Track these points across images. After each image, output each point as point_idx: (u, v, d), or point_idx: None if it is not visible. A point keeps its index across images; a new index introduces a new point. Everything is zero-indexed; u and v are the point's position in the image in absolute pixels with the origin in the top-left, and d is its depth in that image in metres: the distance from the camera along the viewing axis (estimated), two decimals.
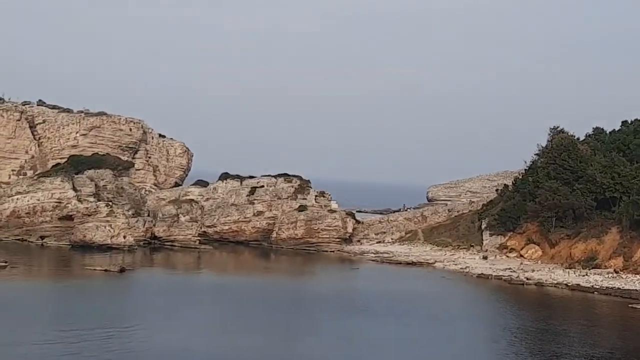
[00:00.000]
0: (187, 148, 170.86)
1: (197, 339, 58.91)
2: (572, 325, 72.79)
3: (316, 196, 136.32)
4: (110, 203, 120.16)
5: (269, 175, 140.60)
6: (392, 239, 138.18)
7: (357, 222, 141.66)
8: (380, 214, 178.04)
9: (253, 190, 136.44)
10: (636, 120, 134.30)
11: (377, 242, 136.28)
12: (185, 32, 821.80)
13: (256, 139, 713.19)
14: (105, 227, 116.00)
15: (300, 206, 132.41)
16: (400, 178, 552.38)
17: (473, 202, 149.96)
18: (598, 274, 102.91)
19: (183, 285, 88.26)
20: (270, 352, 57.31)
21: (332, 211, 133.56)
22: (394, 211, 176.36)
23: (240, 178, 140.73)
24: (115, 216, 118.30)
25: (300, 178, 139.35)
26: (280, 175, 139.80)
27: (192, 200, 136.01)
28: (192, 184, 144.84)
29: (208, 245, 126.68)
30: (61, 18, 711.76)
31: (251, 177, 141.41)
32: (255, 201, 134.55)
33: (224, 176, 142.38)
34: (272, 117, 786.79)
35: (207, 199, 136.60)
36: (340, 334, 64.09)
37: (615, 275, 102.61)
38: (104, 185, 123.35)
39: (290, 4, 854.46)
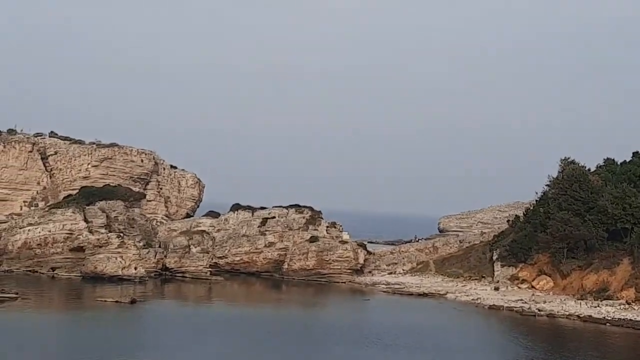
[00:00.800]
0: (198, 179, 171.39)
1: None
2: (586, 357, 72.43)
3: (327, 227, 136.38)
4: (122, 234, 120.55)
5: (280, 206, 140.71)
6: (403, 269, 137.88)
7: (369, 253, 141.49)
8: (392, 244, 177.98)
9: (264, 221, 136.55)
10: None
11: (388, 273, 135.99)
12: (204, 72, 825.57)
13: (268, 171, 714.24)
14: (116, 258, 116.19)
15: (311, 237, 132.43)
16: (412, 209, 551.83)
17: (484, 232, 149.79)
18: (610, 305, 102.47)
19: (194, 317, 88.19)
20: None
21: (343, 242, 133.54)
22: (406, 242, 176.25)
23: (252, 209, 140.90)
24: (127, 247, 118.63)
25: (311, 209, 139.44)
26: (291, 206, 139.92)
27: (204, 231, 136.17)
28: (204, 215, 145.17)
29: (219, 276, 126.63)
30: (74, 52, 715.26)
31: (262, 208, 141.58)
32: (267, 232, 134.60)
33: (235, 207, 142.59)
34: (286, 150, 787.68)
35: (219, 230, 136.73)
36: None
37: (627, 306, 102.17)
38: (115, 217, 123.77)
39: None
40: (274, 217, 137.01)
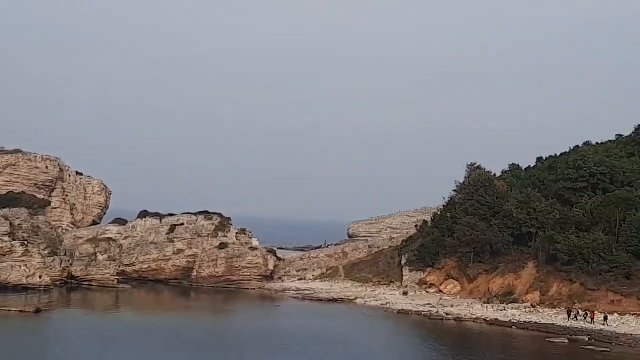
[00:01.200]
0: (105, 186, 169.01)
1: None
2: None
3: (237, 233, 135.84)
4: (26, 242, 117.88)
5: (189, 213, 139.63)
6: (313, 275, 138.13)
7: (279, 259, 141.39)
8: (302, 250, 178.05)
9: (173, 228, 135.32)
10: (550, 157, 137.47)
11: (298, 279, 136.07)
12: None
13: (176, 177, 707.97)
14: (20, 267, 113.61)
15: (221, 244, 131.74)
16: (322, 215, 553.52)
17: (393, 238, 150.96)
18: (515, 309, 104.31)
19: (102, 327, 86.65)
20: None
21: (253, 248, 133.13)
22: (315, 248, 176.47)
23: (160, 216, 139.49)
24: (31, 256, 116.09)
25: (220, 215, 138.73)
26: (200, 213, 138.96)
27: (111, 238, 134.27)
28: (111, 222, 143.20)
29: (127, 284, 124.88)
30: None
31: (171, 214, 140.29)
32: (175, 239, 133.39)
33: (143, 214, 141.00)
34: (192, 153, 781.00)
35: (126, 238, 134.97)
36: None
37: (532, 309, 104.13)
38: (19, 224, 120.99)
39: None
40: (182, 224, 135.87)
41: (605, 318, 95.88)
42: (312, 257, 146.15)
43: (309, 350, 75.26)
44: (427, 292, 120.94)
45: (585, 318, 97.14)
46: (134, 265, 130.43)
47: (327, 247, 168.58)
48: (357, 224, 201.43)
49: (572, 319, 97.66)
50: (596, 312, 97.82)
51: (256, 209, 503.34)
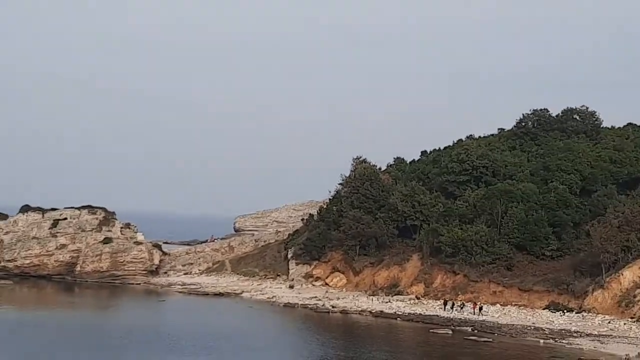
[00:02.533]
0: None
1: None
2: (378, 352, 73.97)
3: (122, 228, 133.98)
4: None
5: (72, 207, 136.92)
6: (199, 270, 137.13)
7: (164, 253, 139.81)
8: (188, 245, 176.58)
9: (56, 223, 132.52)
10: (434, 150, 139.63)
11: (184, 274, 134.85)
12: None
13: (60, 169, 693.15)
14: None
15: (105, 238, 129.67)
16: (208, 209, 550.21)
17: (279, 231, 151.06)
18: (400, 301, 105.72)
19: None
20: None
21: (138, 243, 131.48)
22: (201, 242, 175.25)
23: (42, 210, 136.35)
24: None
25: (105, 210, 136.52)
26: (84, 207, 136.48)
27: None
28: None
29: (8, 280, 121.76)
30: None
31: (54, 209, 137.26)
32: (58, 234, 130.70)
33: (25, 208, 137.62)
34: (71, 145, 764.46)
35: (7, 232, 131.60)
36: None
37: (416, 301, 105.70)
38: None
39: None
40: (65, 219, 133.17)
41: (480, 309, 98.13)
42: (198, 252, 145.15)
43: (197, 347, 74.40)
44: (313, 285, 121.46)
45: (461, 308, 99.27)
46: (16, 261, 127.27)
47: (214, 241, 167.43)
48: (243, 217, 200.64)
49: (448, 309, 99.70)
50: (475, 303, 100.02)
51: (139, 203, 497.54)
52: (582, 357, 72.32)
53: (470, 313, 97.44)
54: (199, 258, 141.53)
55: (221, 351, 72.29)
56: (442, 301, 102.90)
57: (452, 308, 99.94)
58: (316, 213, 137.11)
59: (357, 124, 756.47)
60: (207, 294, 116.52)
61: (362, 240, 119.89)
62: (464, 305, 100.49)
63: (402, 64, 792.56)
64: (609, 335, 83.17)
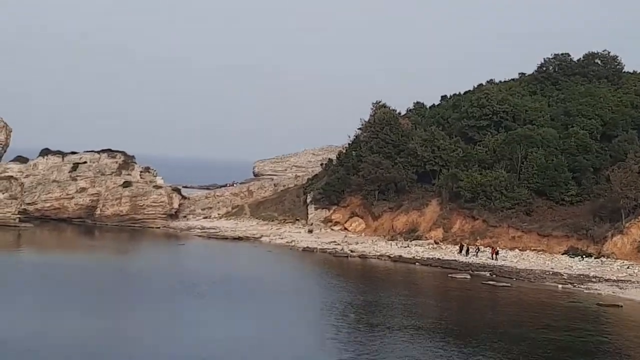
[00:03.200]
0: (5, 123, 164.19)
1: (16, 324, 56.58)
2: (397, 296, 74.02)
3: (141, 172, 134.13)
4: None
5: (92, 151, 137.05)
6: (218, 214, 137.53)
7: (183, 197, 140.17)
8: (207, 189, 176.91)
9: (75, 167, 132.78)
10: (454, 95, 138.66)
11: (203, 218, 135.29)
12: None
13: (79, 114, 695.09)
14: None
15: (124, 182, 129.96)
16: (227, 154, 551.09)
17: (298, 176, 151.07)
18: (419, 246, 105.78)
19: (2, 266, 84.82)
20: (91, 333, 55.15)
21: (157, 187, 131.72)
22: (221, 186, 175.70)
23: (62, 154, 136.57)
24: None
25: (124, 154, 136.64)
26: (103, 151, 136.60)
27: (11, 177, 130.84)
28: (11, 160, 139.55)
29: (29, 223, 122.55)
30: None
31: (73, 152, 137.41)
32: (78, 177, 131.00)
33: (45, 152, 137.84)
34: (96, 91, 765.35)
35: (27, 176, 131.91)
36: (165, 316, 62.62)
37: (435, 246, 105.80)
38: None
39: None
40: (85, 162, 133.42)
41: (497, 253, 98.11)
42: (217, 196, 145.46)
43: (215, 289, 74.78)
44: (332, 229, 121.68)
45: (477, 253, 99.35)
46: (36, 204, 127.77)
47: (233, 185, 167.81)
48: (262, 162, 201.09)
49: (463, 254, 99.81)
50: (493, 248, 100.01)
51: (161, 149, 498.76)
52: (600, 302, 72.33)
53: (488, 258, 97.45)
54: (218, 202, 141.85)
55: (240, 295, 72.48)
56: (458, 246, 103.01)
57: (467, 253, 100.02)
58: (335, 158, 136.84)
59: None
60: (226, 238, 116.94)
61: (381, 185, 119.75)
62: (479, 249, 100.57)
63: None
64: (627, 281, 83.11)
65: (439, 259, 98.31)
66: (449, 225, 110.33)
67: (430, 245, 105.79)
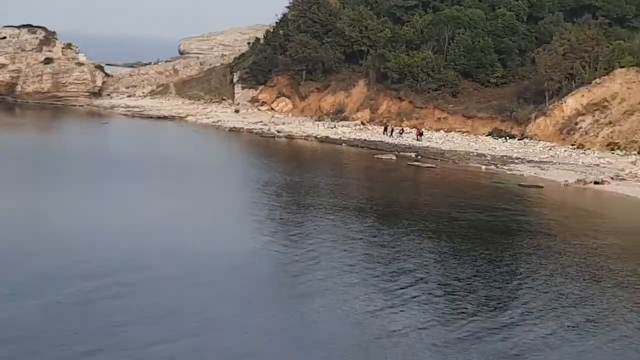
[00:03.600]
0: None
1: None
2: (325, 177, 74.12)
3: (63, 49, 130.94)
4: None
5: (11, 26, 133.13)
6: (143, 92, 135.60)
7: (107, 75, 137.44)
8: (131, 67, 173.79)
9: None
10: None
11: (127, 96, 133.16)
12: None
13: None
14: None
15: (46, 59, 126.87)
16: (152, 31, 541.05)
17: (225, 55, 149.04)
18: (346, 126, 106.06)
19: None
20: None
21: (80, 64, 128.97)
22: (146, 64, 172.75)
23: None
24: None
25: (45, 29, 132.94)
26: (23, 26, 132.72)
27: None
28: None
29: None
30: None
31: None
32: None
33: None
34: None
35: None
36: (91, 194, 61.92)
37: (362, 127, 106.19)
38: None
39: None
40: (4, 38, 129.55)
41: (421, 134, 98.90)
42: (142, 74, 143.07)
43: (140, 169, 73.96)
44: (259, 109, 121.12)
45: (401, 134, 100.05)
46: None
47: (158, 64, 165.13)
48: (188, 40, 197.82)
49: (388, 134, 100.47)
50: (417, 129, 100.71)
51: (83, 25, 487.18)
52: (522, 183, 73.68)
53: (413, 139, 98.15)
54: (143, 80, 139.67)
55: (168, 175, 71.67)
56: (383, 127, 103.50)
57: (391, 134, 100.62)
58: (262, 37, 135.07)
59: None
60: (151, 117, 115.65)
61: (309, 65, 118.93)
62: (402, 130, 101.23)
63: None
64: (549, 162, 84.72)
65: (365, 140, 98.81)
66: (376, 106, 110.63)
67: (357, 126, 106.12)
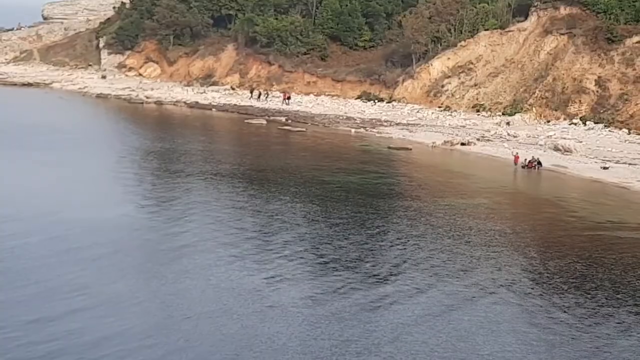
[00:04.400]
0: None
1: None
2: (195, 143, 73.71)
3: None
4: None
5: None
6: (5, 59, 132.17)
7: None
8: None
9: None
10: None
11: None
12: None
13: None
14: None
15: None
16: None
17: (90, 20, 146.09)
18: (215, 91, 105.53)
19: None
20: None
21: None
22: (7, 30, 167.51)
23: None
24: None
25: None
26: None
27: None
28: None
29: None
30: None
31: None
32: None
33: None
34: None
35: None
36: None
37: (232, 91, 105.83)
38: None
39: None
40: None
41: (289, 98, 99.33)
42: (4, 40, 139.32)
43: (4, 137, 72.06)
44: (126, 75, 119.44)
45: (266, 98, 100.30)
46: None
47: (20, 29, 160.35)
48: (51, 5, 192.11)
49: (254, 99, 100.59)
50: (285, 93, 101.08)
51: None
52: (391, 146, 74.65)
53: (278, 103, 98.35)
54: (5, 47, 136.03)
55: (34, 143, 70.00)
56: (249, 91, 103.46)
57: (259, 97, 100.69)
58: (129, 1, 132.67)
59: None
60: (15, 84, 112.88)
61: (177, 29, 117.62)
62: (268, 94, 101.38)
63: None
64: (417, 124, 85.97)
65: (235, 104, 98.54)
66: (245, 70, 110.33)
67: (227, 91, 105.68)
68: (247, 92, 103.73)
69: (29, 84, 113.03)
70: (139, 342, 28.45)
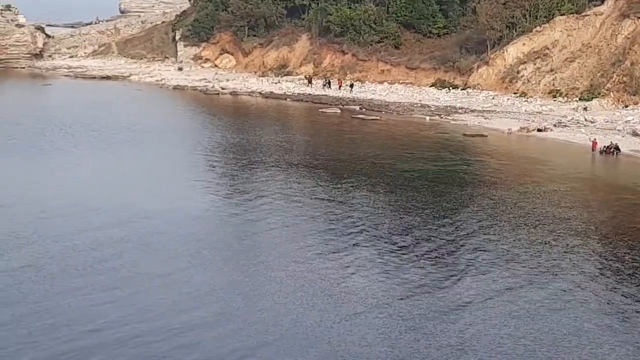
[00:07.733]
0: None
1: None
2: (271, 134, 74.20)
3: (1, 10, 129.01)
4: None
5: None
6: (85, 53, 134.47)
7: (48, 36, 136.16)
8: (72, 27, 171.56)
9: None
10: None
11: (69, 57, 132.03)
12: None
13: None
14: None
15: None
16: None
17: (166, 12, 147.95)
18: (290, 81, 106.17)
19: None
20: None
21: (20, 26, 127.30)
22: (86, 24, 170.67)
23: None
24: None
25: None
26: None
27: None
28: None
29: None
30: None
31: None
32: None
33: None
34: None
35: None
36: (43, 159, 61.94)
37: (306, 81, 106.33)
38: None
39: None
40: None
41: (351, 86, 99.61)
42: (83, 34, 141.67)
43: (85, 131, 73.78)
44: (202, 67, 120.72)
45: (324, 86, 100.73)
46: None
47: (99, 23, 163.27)
48: None
49: (317, 86, 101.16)
50: (342, 80, 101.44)
51: None
52: (466, 133, 74.59)
53: (345, 91, 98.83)
54: (84, 41, 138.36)
55: (116, 135, 71.71)
56: (306, 78, 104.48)
57: (323, 86, 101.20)
58: None
59: None
60: (94, 77, 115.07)
61: (251, 20, 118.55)
62: (329, 82, 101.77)
63: None
64: (492, 111, 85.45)
65: (309, 94, 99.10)
66: (319, 60, 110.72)
67: (301, 81, 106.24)
68: (321, 82, 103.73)
69: (108, 77, 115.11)
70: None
